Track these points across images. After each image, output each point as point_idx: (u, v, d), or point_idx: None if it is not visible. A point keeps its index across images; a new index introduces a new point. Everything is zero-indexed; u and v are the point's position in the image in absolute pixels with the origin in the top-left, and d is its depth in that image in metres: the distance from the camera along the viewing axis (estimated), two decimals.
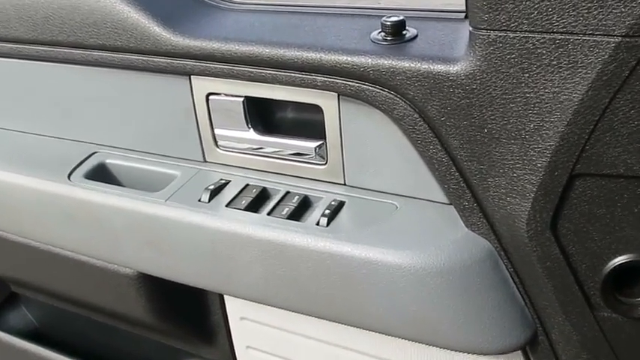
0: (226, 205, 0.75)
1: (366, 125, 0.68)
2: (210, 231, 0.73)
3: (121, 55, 0.78)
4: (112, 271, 0.89)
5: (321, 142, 0.73)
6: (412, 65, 0.60)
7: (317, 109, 0.71)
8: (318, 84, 0.67)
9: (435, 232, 0.66)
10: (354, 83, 0.65)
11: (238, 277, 0.74)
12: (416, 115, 0.62)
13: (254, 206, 0.74)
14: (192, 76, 0.77)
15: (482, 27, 0.54)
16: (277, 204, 0.74)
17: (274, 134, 0.77)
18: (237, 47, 0.70)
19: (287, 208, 0.72)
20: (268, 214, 0.72)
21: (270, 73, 0.69)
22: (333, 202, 0.71)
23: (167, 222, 0.76)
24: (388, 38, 0.65)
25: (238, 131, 0.78)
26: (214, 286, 0.78)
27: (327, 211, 0.70)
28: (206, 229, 0.73)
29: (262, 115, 0.77)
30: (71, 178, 0.85)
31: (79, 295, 1.00)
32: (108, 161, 0.88)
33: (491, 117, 0.58)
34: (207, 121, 0.79)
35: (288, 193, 0.75)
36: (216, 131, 0.80)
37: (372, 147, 0.70)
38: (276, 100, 0.73)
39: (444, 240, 0.64)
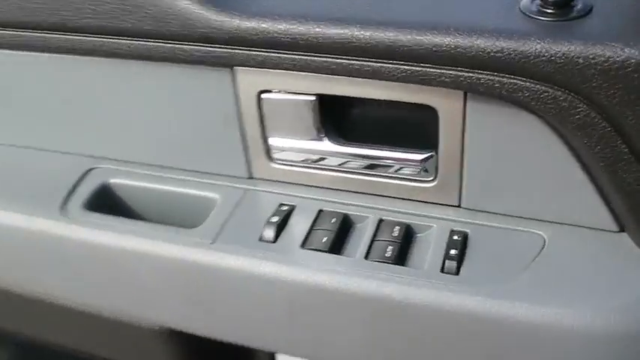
0: (302, 246, 0.55)
1: (506, 132, 0.49)
2: (286, 285, 0.53)
3: (129, 42, 0.55)
4: (129, 324, 0.68)
5: (429, 152, 0.54)
6: (607, 54, 0.41)
7: (424, 110, 0.52)
8: (442, 79, 0.47)
9: (611, 275, 0.49)
10: (499, 78, 0.45)
11: (327, 342, 0.55)
12: (605, 125, 0.43)
13: (338, 244, 0.55)
14: (236, 68, 0.55)
15: None
16: (373, 240, 0.54)
17: (356, 143, 0.57)
18: (315, 29, 0.48)
19: (390, 247, 0.53)
20: (366, 257, 0.53)
21: (367, 65, 0.48)
22: (456, 237, 0.53)
23: (217, 272, 0.56)
24: (549, 11, 0.45)
25: (305, 140, 0.57)
26: (288, 350, 0.59)
27: (453, 251, 0.51)
28: (278, 282, 0.53)
29: (338, 118, 0.57)
30: (66, 209, 0.62)
31: (81, 347, 0.79)
32: (113, 181, 0.66)
33: None
34: (258, 128, 0.58)
35: (381, 221, 0.56)
36: (271, 141, 0.59)
37: (509, 159, 0.51)
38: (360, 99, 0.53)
39: (631, 290, 0.47)
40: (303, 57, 0.50)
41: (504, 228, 0.54)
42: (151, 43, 0.54)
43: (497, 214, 0.54)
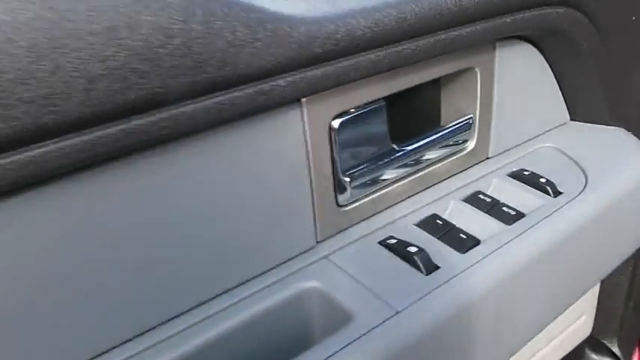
0: (460, 251, 0.47)
1: (518, 69, 0.57)
2: (494, 284, 0.46)
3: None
4: None
5: (469, 116, 0.56)
6: None
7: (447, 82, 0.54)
8: (486, 32, 0.50)
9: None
10: (526, 14, 0.52)
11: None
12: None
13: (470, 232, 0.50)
14: (303, 100, 0.43)
15: None
16: (486, 212, 0.52)
17: (412, 140, 0.53)
18: (386, 17, 0.43)
19: (503, 208, 0.53)
20: (508, 223, 0.51)
21: (413, 46, 0.46)
22: (526, 173, 0.57)
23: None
24: None
25: (376, 161, 0.49)
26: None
27: (543, 180, 0.55)
28: (490, 289, 0.45)
29: (392, 122, 0.51)
30: None
31: None
32: None
33: None
34: (328, 164, 0.46)
35: (464, 200, 0.54)
36: (342, 179, 0.47)
37: (522, 92, 0.59)
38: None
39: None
40: (372, 57, 0.44)
41: (530, 152, 0.61)
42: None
43: (515, 147, 0.61)
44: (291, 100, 0.41)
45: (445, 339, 0.43)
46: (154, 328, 0.41)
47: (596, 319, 0.86)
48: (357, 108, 0.46)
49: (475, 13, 0.47)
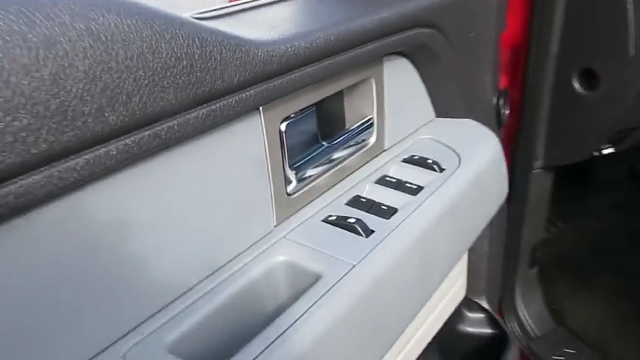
0: (387, 218, 0.60)
1: (396, 76, 0.72)
2: (418, 241, 0.59)
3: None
4: None
5: (370, 116, 0.69)
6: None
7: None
8: (377, 50, 0.65)
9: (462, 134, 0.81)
10: (406, 34, 0.68)
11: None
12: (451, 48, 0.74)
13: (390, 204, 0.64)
14: (261, 107, 0.53)
15: None
16: (396, 189, 0.66)
17: (335, 137, 0.65)
18: (322, 39, 0.55)
19: (408, 184, 0.67)
20: (413, 194, 0.65)
21: (337, 61, 0.59)
22: (416, 157, 0.72)
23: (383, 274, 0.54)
24: None
25: (313, 155, 0.61)
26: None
27: (430, 161, 0.71)
28: (412, 246, 0.59)
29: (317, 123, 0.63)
30: None
31: None
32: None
33: None
34: (280, 162, 0.57)
35: (377, 181, 0.67)
36: (288, 171, 0.58)
37: (403, 96, 0.74)
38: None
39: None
40: (309, 70, 0.56)
41: (414, 143, 0.77)
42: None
43: (402, 139, 0.76)
44: (256, 107, 0.51)
45: (390, 282, 0.56)
46: (152, 316, 0.47)
47: (467, 281, 1.05)
48: (297, 113, 0.58)
49: (373, 34, 0.61)
